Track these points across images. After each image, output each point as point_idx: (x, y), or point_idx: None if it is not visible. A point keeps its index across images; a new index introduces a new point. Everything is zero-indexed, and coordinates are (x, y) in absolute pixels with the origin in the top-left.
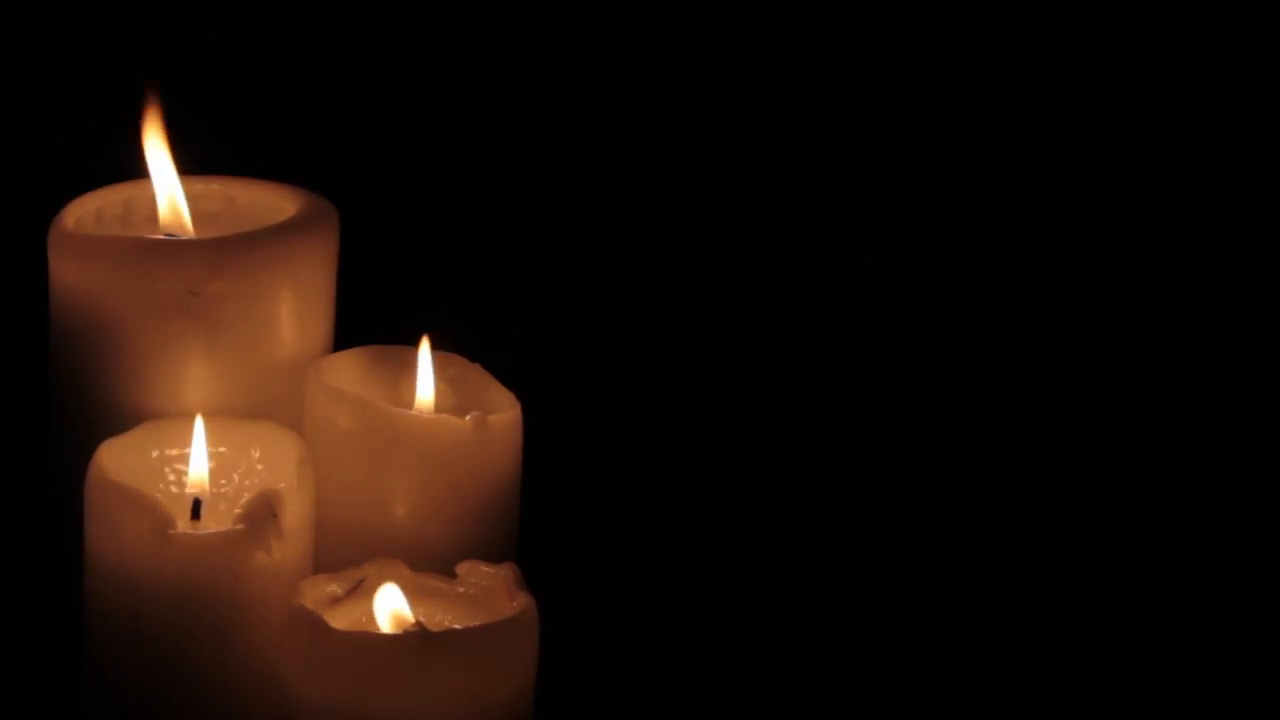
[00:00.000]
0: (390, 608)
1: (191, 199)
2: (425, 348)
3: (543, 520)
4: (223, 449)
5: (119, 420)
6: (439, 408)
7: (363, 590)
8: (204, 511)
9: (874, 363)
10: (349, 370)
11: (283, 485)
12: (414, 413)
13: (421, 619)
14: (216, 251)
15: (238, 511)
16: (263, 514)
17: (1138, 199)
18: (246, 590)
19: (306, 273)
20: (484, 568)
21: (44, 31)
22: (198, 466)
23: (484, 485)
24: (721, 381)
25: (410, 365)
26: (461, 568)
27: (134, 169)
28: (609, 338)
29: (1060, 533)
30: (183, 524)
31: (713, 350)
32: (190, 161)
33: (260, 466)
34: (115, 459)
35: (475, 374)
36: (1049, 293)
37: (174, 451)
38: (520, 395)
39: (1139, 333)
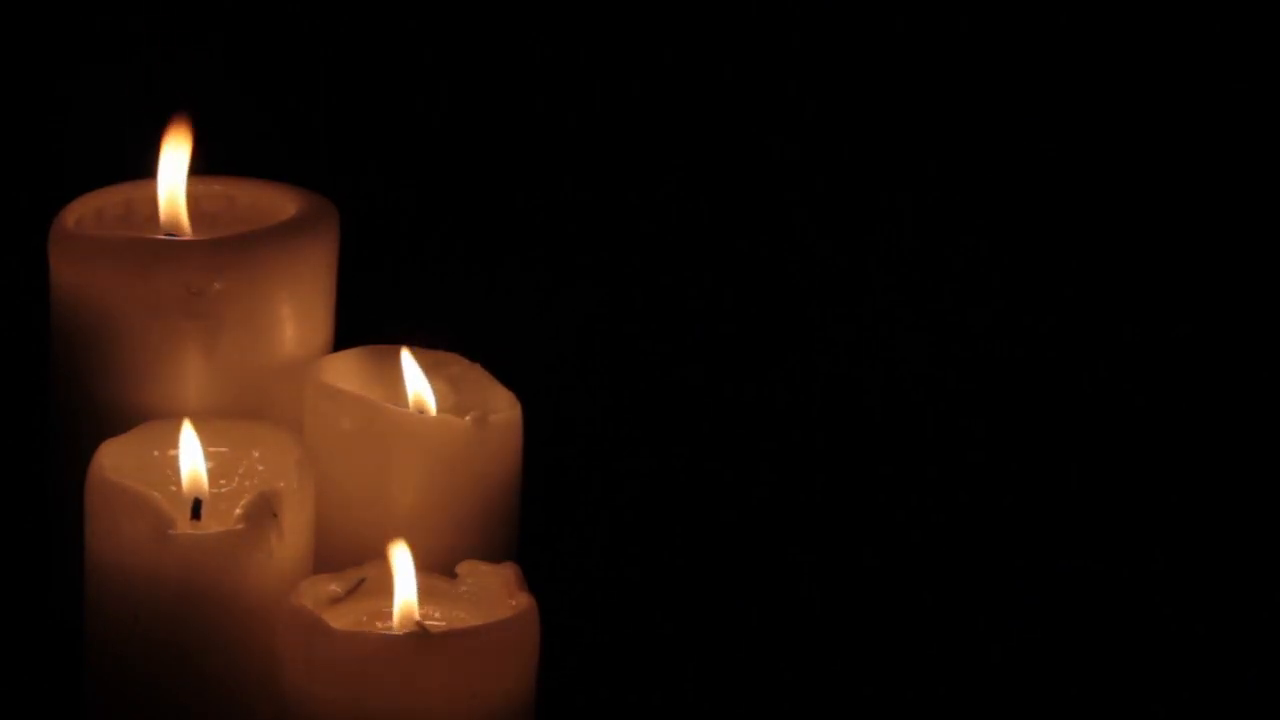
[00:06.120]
0: (404, 600)
1: (192, 199)
2: (408, 355)
3: (543, 520)
4: (223, 449)
5: (119, 420)
6: (438, 408)
7: (363, 590)
8: (204, 511)
9: (875, 363)
10: (349, 370)
11: (283, 485)
12: (414, 412)
13: (421, 619)
14: (216, 251)
15: (238, 511)
16: (263, 514)
17: (1137, 200)
18: (246, 590)
19: (306, 273)
20: (484, 568)
21: (45, 32)
22: (188, 468)
23: (484, 485)
24: (722, 381)
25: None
26: (462, 568)
27: (136, 169)
28: (609, 338)
29: (1058, 535)
30: (183, 524)
31: (714, 350)
32: (191, 161)
33: (260, 466)
34: (115, 459)
35: (475, 374)
36: (1046, 296)
37: (174, 451)
38: (520, 395)
39: (1136, 335)
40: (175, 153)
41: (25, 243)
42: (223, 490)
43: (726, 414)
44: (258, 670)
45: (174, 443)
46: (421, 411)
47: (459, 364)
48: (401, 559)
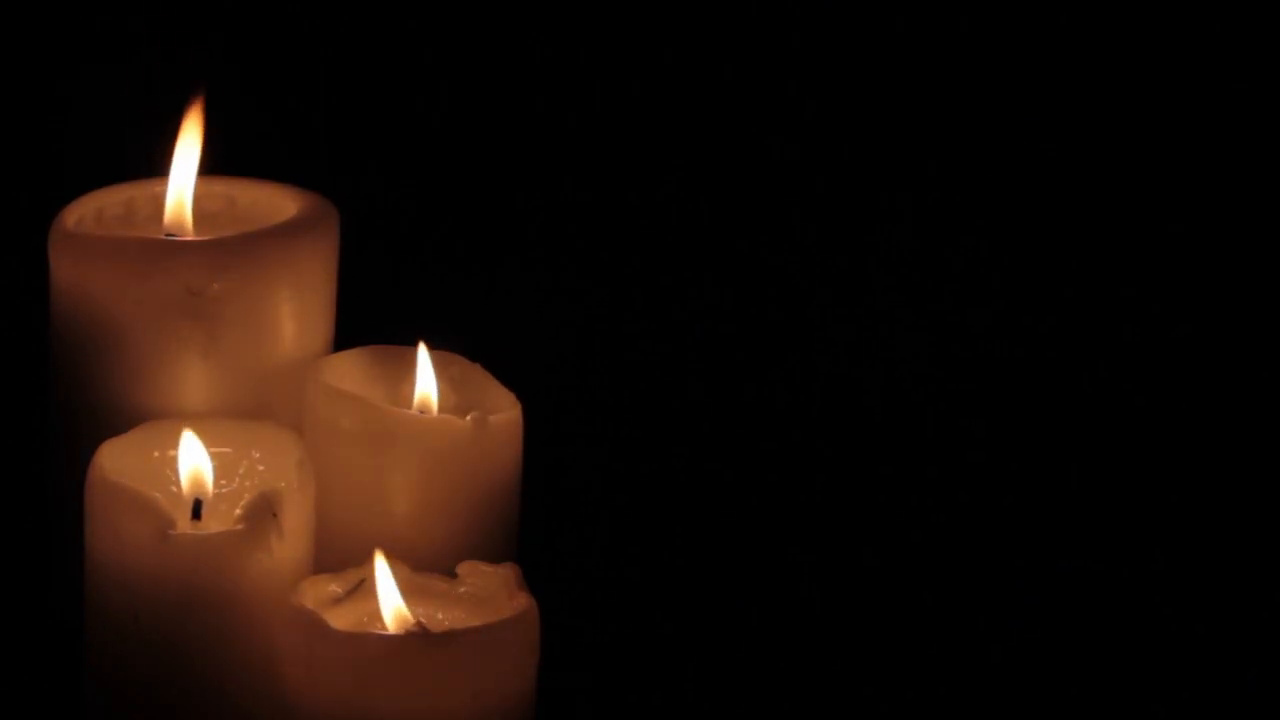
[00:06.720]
0: (392, 605)
1: (193, 199)
2: (423, 351)
3: (543, 520)
4: (223, 449)
5: (119, 420)
6: (439, 408)
7: (363, 590)
8: (204, 512)
9: (875, 363)
10: (349, 370)
11: (283, 485)
12: (414, 413)
13: (421, 619)
14: (216, 251)
15: (238, 511)
16: (263, 514)
17: (1136, 201)
18: (246, 590)
19: (306, 273)
20: (484, 568)
21: (45, 32)
22: (189, 468)
23: (484, 485)
24: (722, 381)
25: (411, 365)
26: (462, 568)
27: (136, 169)
28: (609, 338)
29: (1058, 535)
30: (183, 524)
31: (714, 350)
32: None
33: (260, 467)
34: (115, 459)
35: (475, 374)
36: (1046, 296)
37: (174, 452)
38: (520, 395)
39: (1136, 335)
40: (188, 148)
41: (25, 243)
42: (223, 490)
43: (726, 414)
44: (258, 670)
45: (174, 443)
46: (423, 411)
47: (459, 364)
48: (381, 569)
